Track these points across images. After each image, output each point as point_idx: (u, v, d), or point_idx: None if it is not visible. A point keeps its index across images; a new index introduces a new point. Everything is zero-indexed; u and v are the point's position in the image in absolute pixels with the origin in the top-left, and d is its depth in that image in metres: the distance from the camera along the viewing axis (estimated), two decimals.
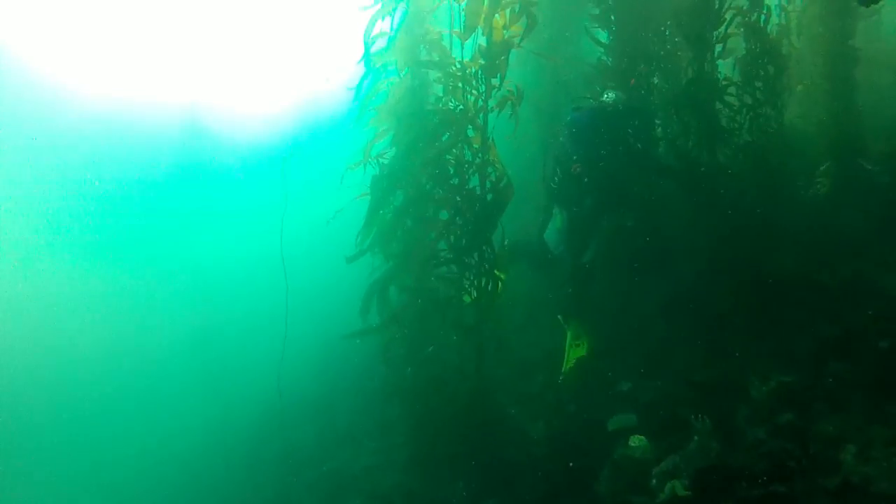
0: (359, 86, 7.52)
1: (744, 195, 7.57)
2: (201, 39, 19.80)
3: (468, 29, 6.67)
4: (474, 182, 6.82)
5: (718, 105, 7.67)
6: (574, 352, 7.20)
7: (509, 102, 6.62)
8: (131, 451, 11.93)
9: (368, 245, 7.10)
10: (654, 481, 5.38)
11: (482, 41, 6.79)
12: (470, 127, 6.80)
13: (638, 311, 7.57)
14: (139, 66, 18.73)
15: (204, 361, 14.71)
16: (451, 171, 6.87)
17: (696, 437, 5.39)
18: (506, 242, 7.34)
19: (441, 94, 7.15)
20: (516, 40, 6.76)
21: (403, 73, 7.32)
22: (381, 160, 7.40)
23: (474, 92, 6.82)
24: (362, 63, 7.41)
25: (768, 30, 7.89)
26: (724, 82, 7.70)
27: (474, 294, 6.71)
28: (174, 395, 13.48)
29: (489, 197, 6.62)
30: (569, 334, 7.35)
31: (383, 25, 7.17)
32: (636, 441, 5.74)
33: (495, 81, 6.73)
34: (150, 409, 13.32)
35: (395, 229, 7.06)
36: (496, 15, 6.60)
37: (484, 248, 6.58)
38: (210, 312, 16.69)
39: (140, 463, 11.51)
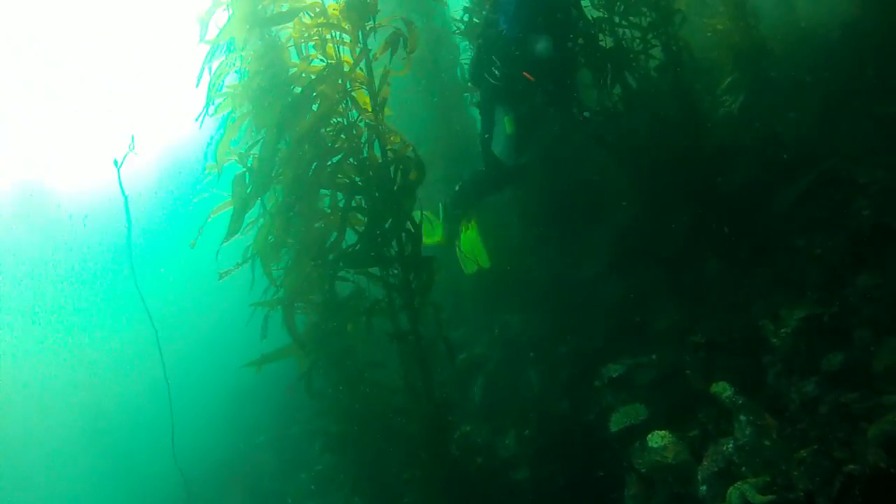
0: (201, 71, 5.18)
1: (665, 119, 5.84)
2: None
3: None
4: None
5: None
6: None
7: (400, 40, 4.43)
8: None
9: (246, 258, 4.76)
10: (703, 488, 3.44)
11: None
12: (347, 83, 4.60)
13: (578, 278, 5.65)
14: None
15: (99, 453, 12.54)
16: (330, 145, 4.65)
17: (741, 417, 3.48)
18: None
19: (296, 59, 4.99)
20: None
21: (248, 43, 5.04)
22: (246, 157, 5.08)
23: (346, 39, 4.64)
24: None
25: None
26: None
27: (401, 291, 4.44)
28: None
29: (391, 168, 4.40)
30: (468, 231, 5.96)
31: None
32: (658, 439, 3.74)
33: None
34: None
35: (281, 233, 4.76)
36: None
37: (405, 223, 4.31)
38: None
39: None
